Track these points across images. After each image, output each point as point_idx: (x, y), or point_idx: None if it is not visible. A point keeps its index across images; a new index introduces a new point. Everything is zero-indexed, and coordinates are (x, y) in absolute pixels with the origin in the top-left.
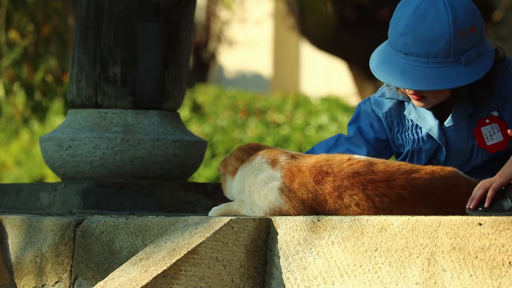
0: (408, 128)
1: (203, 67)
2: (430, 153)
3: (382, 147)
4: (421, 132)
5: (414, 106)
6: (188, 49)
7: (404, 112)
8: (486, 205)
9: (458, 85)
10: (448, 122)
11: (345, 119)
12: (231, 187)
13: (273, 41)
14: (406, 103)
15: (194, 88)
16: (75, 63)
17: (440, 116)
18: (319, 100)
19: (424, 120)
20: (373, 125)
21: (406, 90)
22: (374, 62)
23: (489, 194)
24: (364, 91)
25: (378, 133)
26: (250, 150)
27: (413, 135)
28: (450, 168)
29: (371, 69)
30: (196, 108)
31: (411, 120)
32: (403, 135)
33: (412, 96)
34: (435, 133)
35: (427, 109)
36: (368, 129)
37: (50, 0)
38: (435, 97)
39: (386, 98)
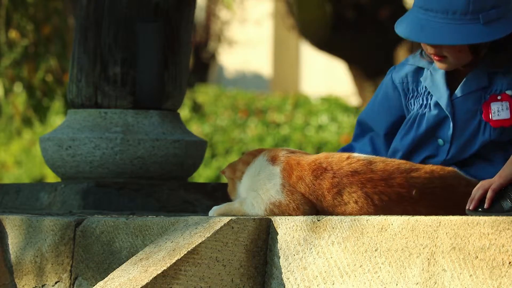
0: (421, 94)
1: (203, 67)
2: (433, 122)
3: (398, 116)
4: (431, 99)
5: (431, 73)
6: (188, 49)
7: (421, 78)
8: (485, 206)
9: (474, 42)
10: (458, 92)
11: (345, 119)
12: (240, 191)
13: (273, 41)
14: (425, 70)
15: (194, 88)
16: (75, 63)
17: (454, 87)
18: (319, 100)
19: (436, 89)
20: (388, 94)
21: (428, 50)
22: (398, 22)
23: (489, 195)
24: (364, 91)
25: (392, 101)
26: (256, 154)
27: (423, 100)
28: (450, 168)
29: (395, 29)
30: (196, 108)
31: (425, 87)
32: (415, 100)
33: (434, 57)
34: (443, 102)
35: (444, 78)
36: (383, 99)
37: (50, 0)
38: (456, 58)
39: (408, 64)
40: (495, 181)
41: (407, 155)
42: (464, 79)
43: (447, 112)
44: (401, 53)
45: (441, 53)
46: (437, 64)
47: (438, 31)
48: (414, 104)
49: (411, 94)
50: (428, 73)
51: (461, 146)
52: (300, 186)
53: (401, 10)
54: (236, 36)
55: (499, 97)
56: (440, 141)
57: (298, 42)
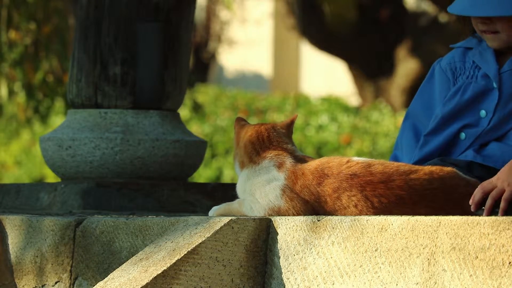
0: (468, 69)
1: (203, 67)
2: (478, 91)
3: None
4: (478, 72)
5: (480, 52)
6: (188, 49)
7: (469, 54)
8: (484, 214)
9: None
10: (506, 66)
11: (345, 119)
12: (237, 188)
13: (273, 41)
14: (473, 50)
15: (194, 88)
16: (75, 63)
17: (503, 64)
18: (319, 100)
19: (485, 62)
20: (436, 84)
21: (480, 27)
22: (452, 4)
23: (502, 205)
24: (364, 91)
25: (440, 90)
26: (259, 149)
27: (469, 72)
28: (449, 169)
29: (448, 10)
30: (196, 108)
31: (473, 62)
32: (462, 75)
33: (486, 34)
34: (492, 73)
35: (493, 55)
36: (431, 90)
37: (51, 0)
38: (508, 33)
39: (454, 48)
40: (504, 188)
41: (446, 120)
42: None
43: (494, 83)
44: (401, 53)
45: (493, 28)
46: (488, 42)
47: (488, 3)
48: (461, 80)
49: (458, 72)
50: (476, 51)
51: (502, 119)
52: (304, 194)
53: (401, 10)
54: (236, 36)
55: None
56: (483, 112)
57: (298, 42)
